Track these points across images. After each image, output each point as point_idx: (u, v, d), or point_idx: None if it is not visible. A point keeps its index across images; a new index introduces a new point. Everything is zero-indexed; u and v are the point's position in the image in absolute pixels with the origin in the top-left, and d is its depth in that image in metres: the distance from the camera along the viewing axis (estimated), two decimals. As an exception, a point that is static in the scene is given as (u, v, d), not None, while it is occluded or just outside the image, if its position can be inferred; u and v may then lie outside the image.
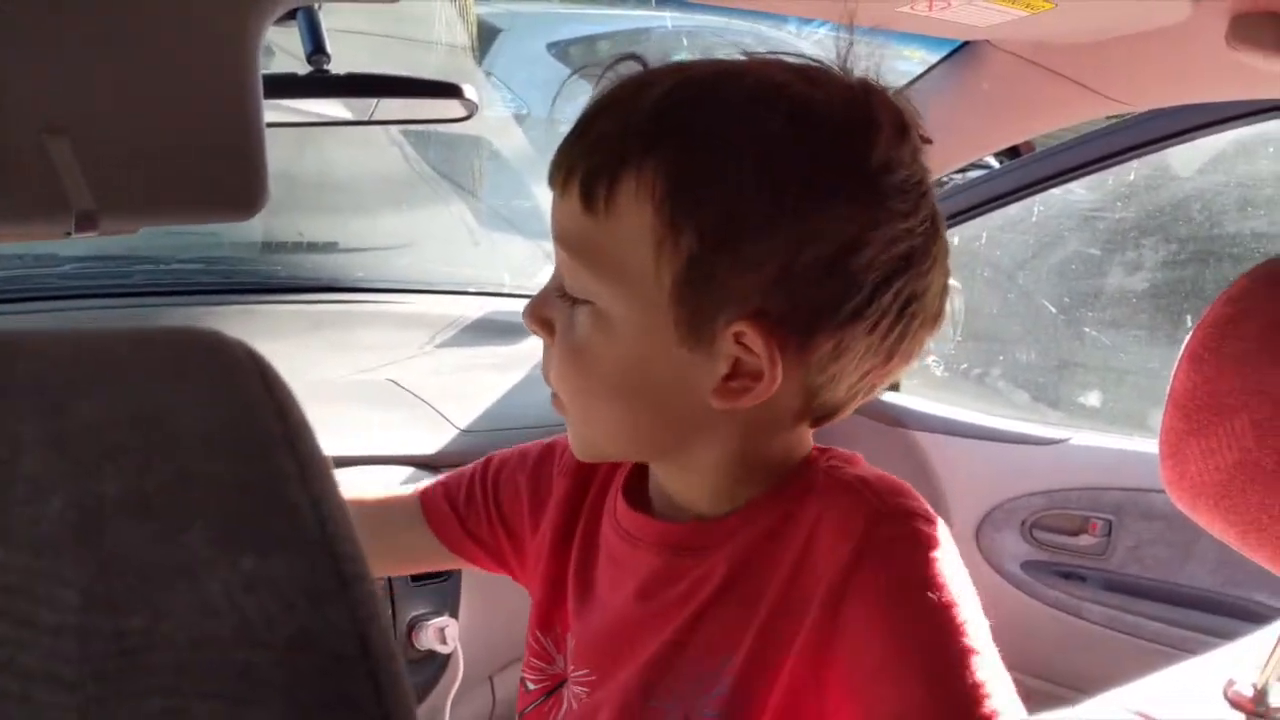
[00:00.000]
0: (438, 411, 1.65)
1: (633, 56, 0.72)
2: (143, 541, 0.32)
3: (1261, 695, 0.85)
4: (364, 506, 0.96)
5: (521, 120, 3.60)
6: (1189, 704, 0.85)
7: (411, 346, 1.94)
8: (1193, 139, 1.67)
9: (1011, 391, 2.10)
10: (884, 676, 0.65)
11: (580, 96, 0.73)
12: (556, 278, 0.73)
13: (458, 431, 1.61)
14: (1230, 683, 0.87)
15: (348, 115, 1.26)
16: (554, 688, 0.84)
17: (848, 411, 0.75)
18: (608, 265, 0.69)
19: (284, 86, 1.10)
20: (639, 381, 0.71)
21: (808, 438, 0.77)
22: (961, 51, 1.45)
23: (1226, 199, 1.99)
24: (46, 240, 0.75)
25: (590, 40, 5.34)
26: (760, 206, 0.65)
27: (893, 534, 0.69)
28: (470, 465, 0.96)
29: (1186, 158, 1.95)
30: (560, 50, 5.24)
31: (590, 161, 0.68)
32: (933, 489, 1.90)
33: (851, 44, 0.70)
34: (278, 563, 0.33)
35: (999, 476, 1.89)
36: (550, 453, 0.91)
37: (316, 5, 1.10)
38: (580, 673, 0.81)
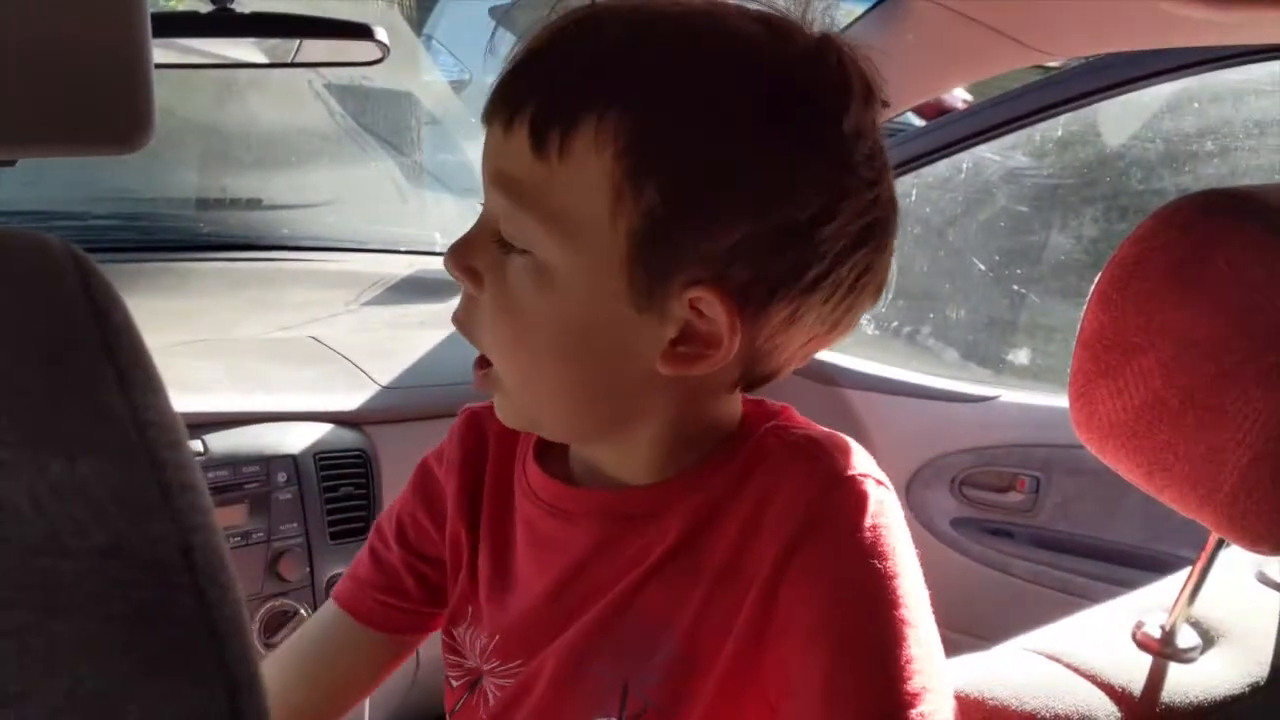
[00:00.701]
0: (359, 369, 1.62)
1: None
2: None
3: (1169, 636, 0.85)
4: (305, 662, 0.88)
5: (465, 85, 3.55)
6: (1098, 646, 0.85)
7: (337, 304, 1.91)
8: (1121, 94, 1.68)
9: (941, 349, 2.11)
10: (817, 645, 0.63)
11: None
12: (487, 222, 0.68)
13: (380, 388, 1.58)
14: (1139, 625, 0.87)
15: (261, 58, 1.22)
16: (475, 681, 0.80)
17: (781, 376, 0.72)
18: (555, 214, 0.63)
19: (186, 25, 1.07)
20: (581, 340, 0.66)
21: (739, 400, 0.75)
22: (888, 3, 1.45)
23: (1152, 155, 2.00)
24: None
25: (534, 3, 5.27)
26: (728, 166, 0.61)
27: (841, 501, 0.66)
28: (363, 547, 0.90)
29: (1114, 113, 1.96)
30: (501, 14, 5.19)
31: (542, 100, 0.63)
32: (865, 446, 1.89)
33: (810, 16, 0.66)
34: (87, 468, 0.31)
35: (929, 434, 1.90)
36: (427, 468, 0.86)
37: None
38: (510, 665, 0.78)
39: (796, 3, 0.66)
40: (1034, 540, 1.84)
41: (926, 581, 0.68)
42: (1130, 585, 1.71)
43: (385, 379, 1.60)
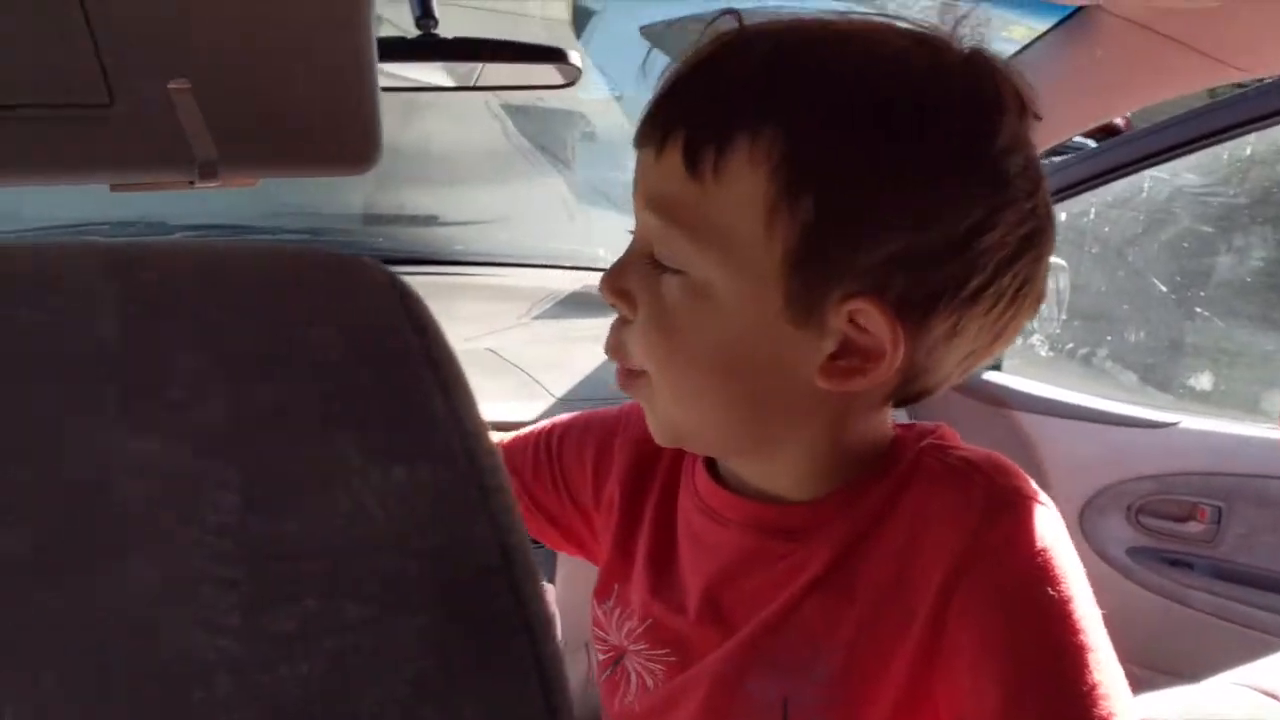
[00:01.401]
0: (535, 380, 1.66)
1: (730, 12, 0.68)
2: (295, 448, 0.32)
3: (1394, 677, 0.81)
4: None
5: (617, 102, 3.60)
6: (1316, 684, 0.82)
7: (509, 318, 1.96)
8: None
9: (1119, 372, 2.05)
10: (992, 673, 0.62)
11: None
12: (640, 245, 0.68)
13: (555, 399, 1.62)
14: (1360, 664, 0.84)
15: (450, 82, 1.27)
16: (617, 659, 0.82)
17: (939, 393, 0.71)
18: (711, 232, 0.64)
19: (394, 50, 1.11)
20: (738, 357, 0.66)
21: (889, 417, 0.74)
22: (1073, 18, 1.42)
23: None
24: (171, 189, 0.76)
25: (683, 21, 5.31)
26: (887, 179, 0.61)
27: (1008, 525, 0.65)
28: (530, 430, 0.92)
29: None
30: (652, 33, 5.24)
31: (695, 122, 0.64)
32: (1036, 471, 1.85)
33: (962, 16, 0.67)
34: (425, 472, 0.33)
35: (1105, 460, 1.84)
36: (615, 422, 0.87)
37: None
38: (659, 652, 0.78)
39: (946, 20, 0.66)
40: (1215, 572, 1.77)
41: (1101, 610, 0.66)
42: (1320, 623, 1.64)
43: (559, 390, 1.64)
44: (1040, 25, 1.53)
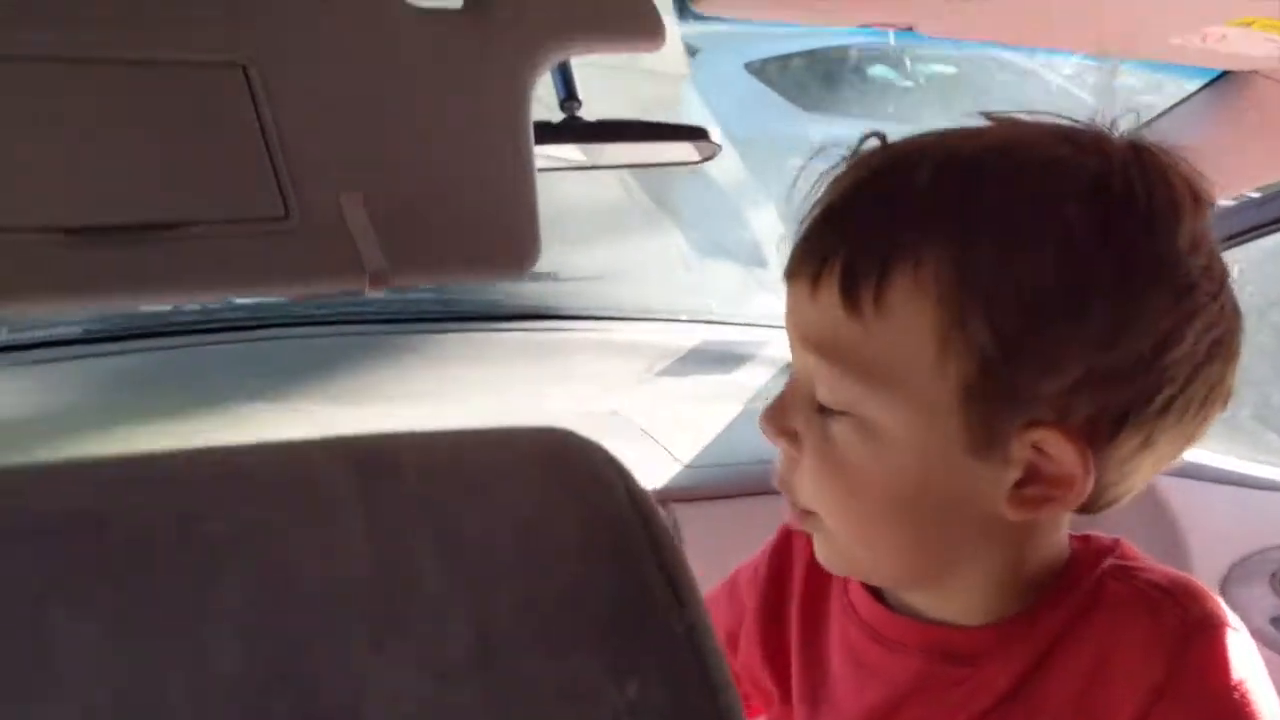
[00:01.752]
0: (661, 445, 1.65)
1: (875, 135, 0.66)
2: (534, 663, 0.32)
3: None
4: None
5: (730, 146, 3.61)
6: None
7: (631, 376, 1.96)
8: None
9: (1262, 434, 1.97)
10: None
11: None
12: (800, 382, 0.66)
13: (682, 466, 1.61)
14: None
15: (586, 158, 1.27)
16: None
17: (1122, 504, 0.68)
18: (877, 371, 0.61)
19: (542, 135, 1.12)
20: (917, 495, 0.64)
21: (1065, 532, 0.72)
22: (1224, 80, 1.37)
23: None
24: (342, 298, 0.78)
25: (785, 58, 5.31)
26: (1065, 300, 0.58)
27: (1204, 655, 0.63)
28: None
29: None
30: (756, 68, 5.25)
31: (849, 254, 0.61)
32: (1173, 537, 1.80)
33: (1114, 119, 0.64)
34: (660, 692, 0.32)
35: (1248, 525, 1.78)
36: (735, 582, 0.87)
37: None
38: None
39: (1098, 110, 0.64)
40: (1368, 644, 1.69)
41: None
42: None
43: (686, 456, 1.63)
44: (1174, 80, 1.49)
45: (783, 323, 0.68)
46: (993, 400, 0.60)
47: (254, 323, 1.88)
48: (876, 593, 0.74)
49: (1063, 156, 0.61)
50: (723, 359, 2.01)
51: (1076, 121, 0.64)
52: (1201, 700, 0.62)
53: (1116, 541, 0.72)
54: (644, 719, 0.32)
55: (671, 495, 1.55)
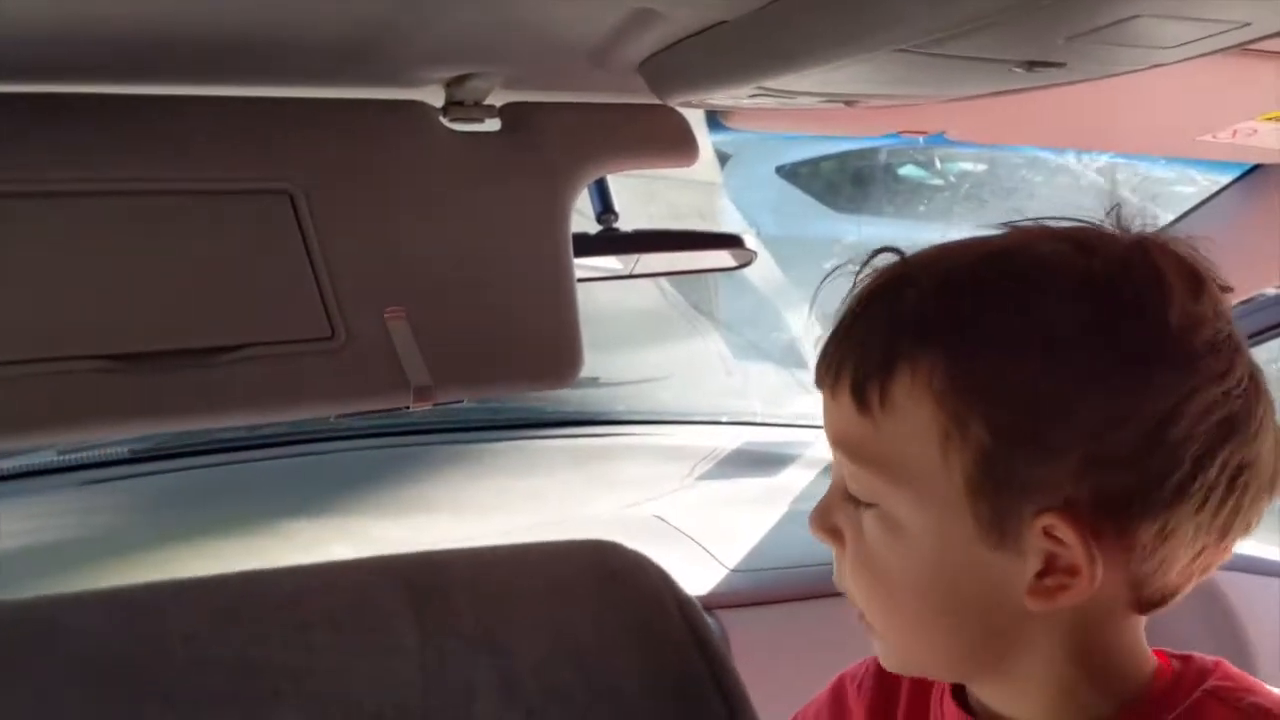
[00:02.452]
0: (706, 550, 1.64)
1: (889, 250, 0.69)
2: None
3: None
4: None
5: (763, 247, 3.63)
6: None
7: (673, 479, 1.96)
8: None
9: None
10: None
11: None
12: (838, 482, 0.70)
13: (728, 571, 1.60)
14: None
15: (621, 267, 1.29)
16: None
17: (1181, 594, 0.67)
18: (890, 466, 0.64)
19: (581, 247, 1.14)
20: (942, 587, 0.65)
21: (1143, 638, 0.70)
22: (1256, 172, 1.38)
23: None
24: (384, 415, 0.79)
25: (815, 162, 5.35)
26: (1054, 391, 0.60)
27: None
28: None
29: None
30: (788, 171, 5.30)
31: (858, 361, 0.65)
32: (1235, 634, 1.75)
33: (1118, 206, 0.66)
34: None
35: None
36: (840, 687, 0.85)
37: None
38: None
39: (1110, 214, 0.65)
40: None
41: None
42: None
43: (731, 561, 1.61)
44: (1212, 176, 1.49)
45: (822, 423, 0.71)
46: (995, 492, 0.62)
47: (298, 437, 1.91)
48: (963, 701, 0.74)
49: (1055, 253, 0.63)
50: (764, 461, 2.00)
51: (1087, 222, 0.66)
52: None
53: (1219, 663, 0.70)
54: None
55: (717, 601, 1.53)
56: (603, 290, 2.45)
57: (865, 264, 0.69)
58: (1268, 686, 0.68)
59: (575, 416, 2.11)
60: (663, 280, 2.45)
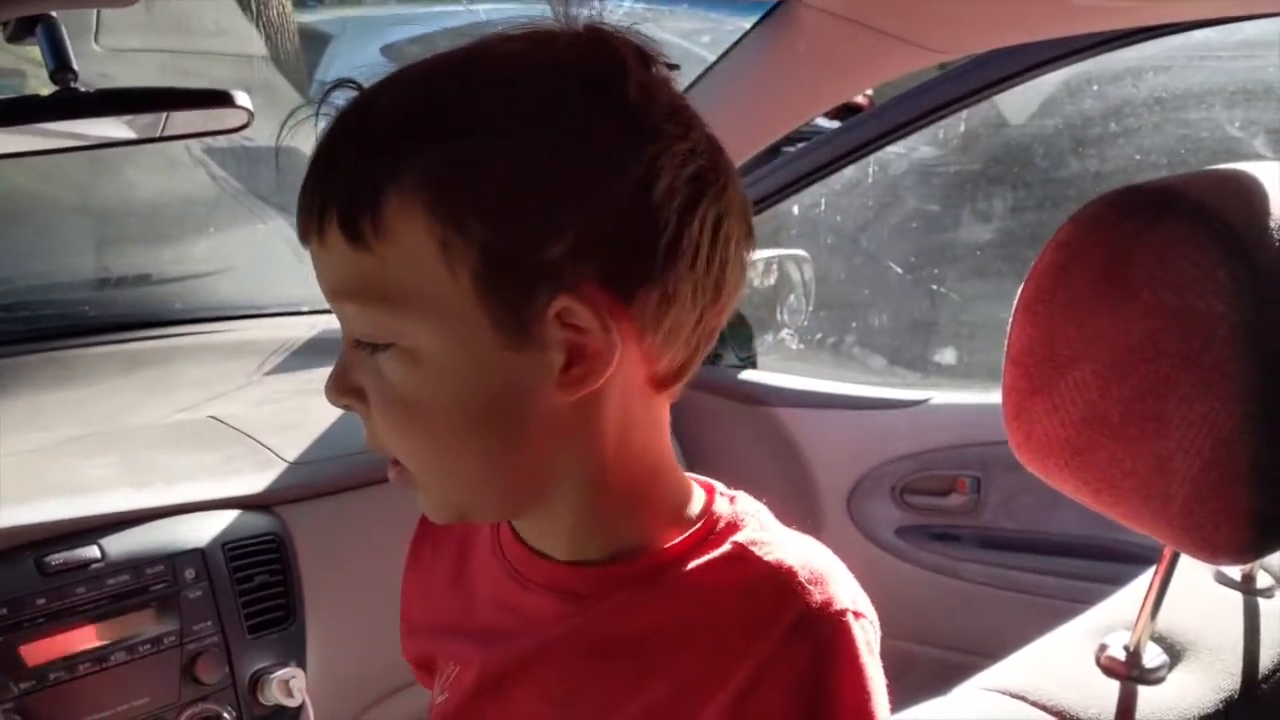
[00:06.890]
0: (264, 446, 1.53)
1: (347, 82, 0.67)
2: None
3: (1135, 658, 0.81)
4: None
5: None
6: (1062, 677, 0.80)
7: (238, 377, 1.82)
8: (1020, 83, 1.65)
9: (867, 357, 2.07)
10: None
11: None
12: (348, 337, 0.67)
13: (287, 465, 1.50)
14: (1103, 648, 0.83)
15: (130, 134, 1.14)
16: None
17: (695, 367, 0.70)
18: (399, 296, 0.63)
19: (27, 110, 0.99)
20: (473, 405, 0.65)
21: (671, 459, 0.72)
22: (773, 15, 1.40)
23: (1060, 141, 1.99)
24: None
25: (426, 39, 5.23)
26: (538, 175, 0.61)
27: (817, 644, 0.65)
28: None
29: (1016, 104, 1.94)
30: (395, 52, 5.13)
31: (341, 196, 0.63)
32: (800, 464, 1.85)
33: (565, 2, 0.68)
34: None
35: (864, 444, 1.86)
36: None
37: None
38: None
39: (557, 12, 0.67)
40: (980, 541, 1.81)
41: (875, 593, 0.68)
42: (1079, 576, 1.69)
43: (292, 454, 1.52)
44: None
45: None
46: (503, 286, 0.62)
47: None
48: (519, 535, 0.75)
49: (511, 51, 0.65)
50: (339, 348, 1.90)
51: (533, 21, 0.67)
52: (804, 688, 0.64)
53: (759, 510, 0.73)
54: None
55: (277, 497, 1.44)
56: (147, 179, 2.24)
57: (322, 101, 0.67)
58: (795, 539, 0.70)
59: (125, 319, 1.91)
60: (212, 166, 2.25)
